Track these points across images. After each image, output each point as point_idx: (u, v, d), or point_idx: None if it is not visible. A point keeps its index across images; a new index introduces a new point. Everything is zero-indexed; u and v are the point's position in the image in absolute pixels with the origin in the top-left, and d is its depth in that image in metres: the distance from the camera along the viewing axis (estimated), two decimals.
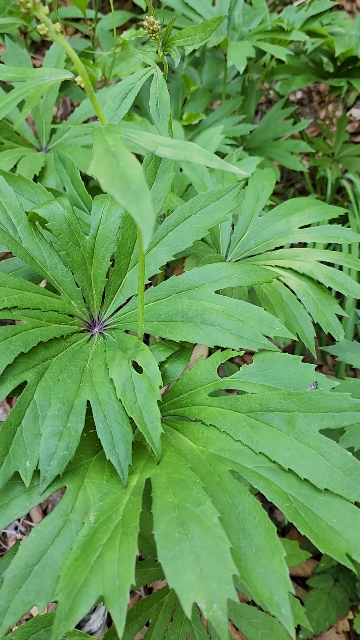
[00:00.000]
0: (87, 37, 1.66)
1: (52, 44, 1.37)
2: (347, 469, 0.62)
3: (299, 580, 1.46)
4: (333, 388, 0.69)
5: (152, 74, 0.77)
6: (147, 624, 1.03)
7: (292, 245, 1.71)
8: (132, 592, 1.40)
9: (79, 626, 1.38)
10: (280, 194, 2.26)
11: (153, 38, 0.70)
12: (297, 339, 0.81)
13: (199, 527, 0.55)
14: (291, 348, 1.84)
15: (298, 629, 1.34)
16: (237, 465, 0.65)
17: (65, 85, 1.61)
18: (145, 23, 0.68)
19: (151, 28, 0.68)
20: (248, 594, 0.97)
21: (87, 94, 1.54)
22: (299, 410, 0.66)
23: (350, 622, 1.39)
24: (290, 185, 2.38)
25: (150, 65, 0.76)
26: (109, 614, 1.36)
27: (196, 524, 0.55)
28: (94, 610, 1.43)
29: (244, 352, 0.73)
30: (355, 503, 0.61)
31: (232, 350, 0.75)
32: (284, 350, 1.93)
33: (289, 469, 0.63)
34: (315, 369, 1.88)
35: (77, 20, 2.15)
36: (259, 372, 0.72)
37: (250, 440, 0.66)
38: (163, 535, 0.54)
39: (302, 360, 0.72)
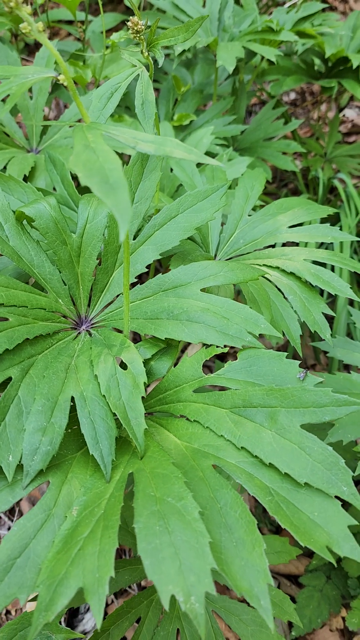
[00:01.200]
0: (80, 39, 1.66)
1: (42, 46, 1.38)
2: (328, 464, 0.63)
3: (292, 578, 1.46)
4: (319, 384, 0.70)
5: (139, 74, 0.78)
6: (138, 621, 1.03)
7: (285, 244, 1.72)
8: (125, 590, 1.41)
9: (73, 626, 1.39)
10: (273, 194, 2.27)
11: (138, 38, 0.71)
12: (282, 337, 0.82)
13: (180, 521, 0.56)
14: (284, 348, 1.85)
15: (290, 626, 1.34)
16: (220, 460, 0.66)
17: (57, 87, 1.62)
18: (129, 24, 0.69)
19: (135, 28, 0.69)
20: None
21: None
22: (281, 405, 0.67)
23: (344, 619, 1.40)
24: (283, 186, 2.39)
25: (136, 66, 0.77)
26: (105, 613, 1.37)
27: (177, 518, 0.56)
28: (87, 610, 1.43)
29: (228, 348, 0.74)
30: (336, 497, 0.62)
31: (217, 347, 0.75)
32: (277, 350, 1.94)
33: (270, 463, 0.63)
34: (309, 367, 1.87)
35: (70, 22, 2.16)
36: (244, 368, 0.73)
37: (233, 435, 0.67)
38: (143, 528, 0.55)
39: (294, 359, 0.73)
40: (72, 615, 1.41)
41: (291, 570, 1.45)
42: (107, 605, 1.41)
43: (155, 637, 0.93)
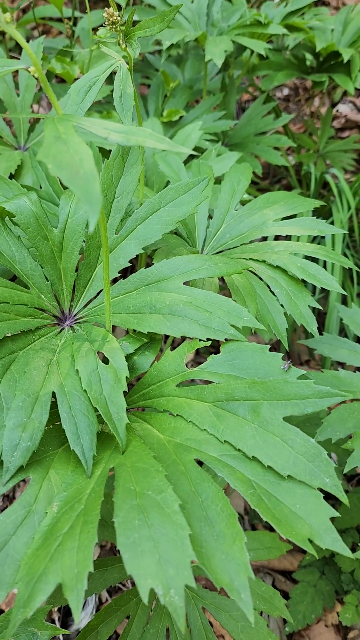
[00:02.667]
0: (68, 36, 1.66)
1: (29, 43, 1.37)
2: (310, 456, 0.62)
3: (287, 574, 1.46)
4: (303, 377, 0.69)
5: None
6: (128, 618, 1.03)
7: (277, 238, 1.72)
8: (119, 589, 1.40)
9: (67, 624, 1.38)
10: (266, 190, 2.27)
11: (114, 30, 0.70)
12: (267, 330, 0.81)
13: (159, 514, 0.55)
14: (278, 343, 1.84)
15: (285, 622, 1.34)
16: (203, 454, 0.65)
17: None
18: (104, 15, 0.68)
19: (111, 19, 0.68)
20: None
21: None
22: (263, 398, 0.67)
23: (339, 615, 1.39)
24: (276, 182, 2.39)
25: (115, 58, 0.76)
26: (97, 611, 1.36)
27: (157, 511, 0.55)
28: (82, 608, 1.43)
29: (210, 342, 0.73)
30: (319, 489, 0.62)
31: (200, 340, 0.75)
32: (271, 345, 1.93)
33: (253, 456, 0.63)
34: (303, 364, 1.86)
35: (61, 20, 2.15)
36: (226, 362, 0.73)
37: (215, 429, 0.66)
38: (123, 522, 0.55)
39: (286, 354, 0.72)
40: (67, 614, 1.40)
41: (286, 567, 1.45)
42: (101, 603, 1.40)
43: (145, 634, 0.92)
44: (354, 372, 1.07)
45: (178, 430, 0.69)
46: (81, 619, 1.42)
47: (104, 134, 0.51)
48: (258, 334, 1.80)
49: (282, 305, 0.91)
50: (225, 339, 0.74)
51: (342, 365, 1.81)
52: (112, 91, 1.58)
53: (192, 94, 1.74)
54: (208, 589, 1.02)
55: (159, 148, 0.49)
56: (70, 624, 1.40)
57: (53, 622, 1.35)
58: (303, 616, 1.26)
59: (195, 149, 1.47)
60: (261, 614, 1.30)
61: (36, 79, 0.64)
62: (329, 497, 1.33)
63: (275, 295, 0.92)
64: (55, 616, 1.35)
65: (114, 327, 0.78)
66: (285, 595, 1.37)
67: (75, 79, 1.41)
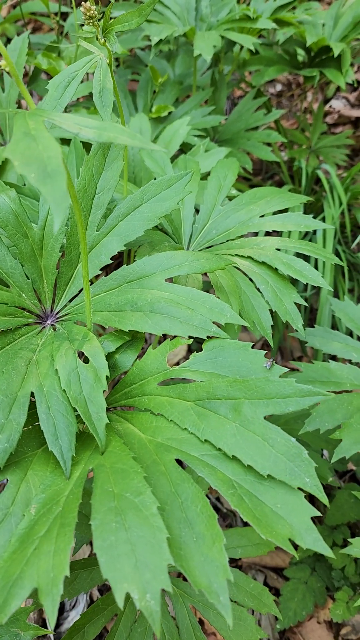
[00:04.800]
0: (54, 30, 1.64)
1: (14, 38, 1.36)
2: (291, 455, 0.61)
3: (279, 571, 1.46)
4: (295, 376, 0.68)
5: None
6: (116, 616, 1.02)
7: (269, 234, 1.70)
8: (110, 586, 1.40)
9: (58, 623, 1.38)
10: (258, 185, 2.25)
11: (92, 24, 0.69)
12: (249, 326, 0.81)
13: (137, 517, 0.54)
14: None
15: (276, 619, 1.34)
16: (183, 453, 0.64)
17: (33, 79, 1.60)
18: (81, 9, 0.67)
19: (88, 14, 0.67)
20: None
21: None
22: (245, 397, 0.66)
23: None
24: (268, 178, 2.37)
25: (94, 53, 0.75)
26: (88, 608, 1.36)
27: (134, 514, 0.55)
28: (72, 607, 1.43)
29: (192, 340, 0.73)
30: (300, 489, 0.61)
31: (182, 338, 0.74)
32: (262, 343, 1.93)
33: (233, 456, 0.62)
34: (295, 359, 1.85)
35: (49, 15, 2.13)
36: (209, 360, 0.72)
37: (196, 428, 0.65)
38: (100, 525, 0.54)
39: (265, 349, 0.71)
40: (58, 612, 1.40)
41: (278, 564, 1.45)
42: (92, 602, 1.40)
43: (133, 633, 0.92)
44: (345, 364, 1.06)
45: (159, 429, 0.68)
46: (72, 617, 1.42)
47: (76, 129, 0.50)
48: (250, 332, 1.79)
49: (267, 302, 0.90)
50: (208, 337, 0.73)
51: (333, 358, 1.80)
52: None
53: (182, 90, 1.72)
54: None
55: (131, 145, 0.48)
56: (61, 623, 1.40)
57: (44, 621, 1.34)
58: (294, 613, 1.26)
59: (184, 144, 1.46)
60: (252, 612, 1.30)
61: (8, 73, 0.62)
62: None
63: (260, 292, 0.91)
64: (46, 616, 1.34)
65: (100, 326, 0.78)
66: (278, 592, 1.37)
67: None
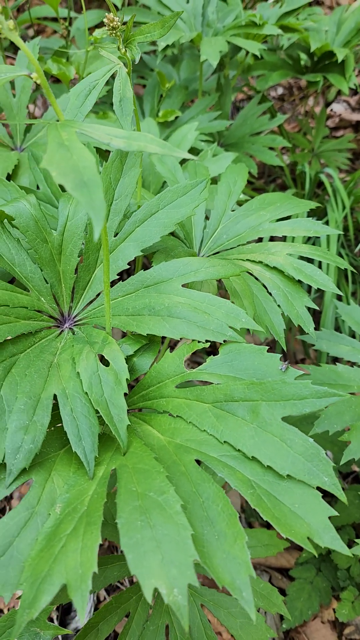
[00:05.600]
0: (64, 36, 1.66)
1: (25, 44, 1.37)
2: (309, 455, 0.63)
3: (284, 571, 1.47)
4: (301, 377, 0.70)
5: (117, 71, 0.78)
6: (127, 616, 1.04)
7: (273, 239, 1.72)
8: (117, 587, 1.41)
9: (65, 623, 1.39)
10: (262, 189, 2.27)
11: (114, 35, 0.71)
12: (264, 331, 0.82)
13: (161, 515, 0.56)
14: (274, 343, 1.85)
15: (282, 618, 1.35)
16: (203, 454, 0.66)
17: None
18: (105, 20, 0.69)
19: (111, 25, 0.69)
20: None
21: (59, 91, 1.54)
22: (262, 399, 0.68)
23: (335, 611, 1.40)
24: (272, 181, 2.40)
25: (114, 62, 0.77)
26: (95, 610, 1.37)
27: (159, 512, 0.56)
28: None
29: (209, 343, 0.74)
30: (318, 488, 0.63)
31: (199, 342, 0.76)
32: (267, 345, 1.95)
33: (252, 456, 0.64)
34: (298, 361, 1.87)
35: (55, 20, 2.15)
36: (225, 363, 0.73)
37: (215, 430, 0.67)
38: (126, 523, 0.55)
39: (282, 354, 0.73)
40: (65, 613, 1.41)
41: (283, 564, 1.46)
42: (99, 601, 1.41)
43: (145, 632, 0.93)
44: (352, 367, 1.08)
45: (178, 431, 0.70)
46: (79, 617, 1.43)
47: (107, 139, 0.52)
48: (254, 334, 1.81)
49: (279, 306, 0.92)
50: (224, 341, 0.74)
51: (338, 361, 1.82)
52: (108, 92, 1.59)
53: (188, 94, 1.74)
54: (206, 586, 1.03)
55: (161, 153, 0.50)
56: (69, 623, 1.41)
57: (52, 620, 1.35)
58: (300, 613, 1.28)
59: (192, 149, 1.48)
60: (259, 610, 1.32)
61: (38, 85, 0.64)
62: (325, 494, 1.35)
63: (272, 296, 0.93)
64: (54, 615, 1.36)
65: (113, 329, 0.79)
66: (282, 592, 1.39)
67: (72, 80, 1.42)
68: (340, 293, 0.93)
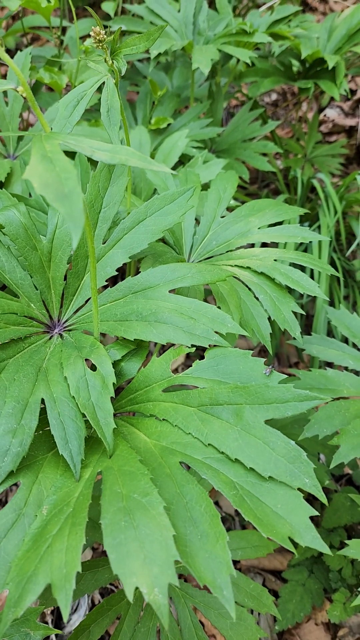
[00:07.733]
0: (56, 45, 1.68)
1: (17, 54, 1.39)
2: (291, 457, 0.65)
3: (277, 574, 1.48)
4: (295, 381, 0.72)
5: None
6: (119, 618, 1.05)
7: (265, 245, 1.74)
8: (112, 590, 1.42)
9: (60, 627, 1.40)
10: (254, 194, 2.29)
11: (100, 47, 0.73)
12: (250, 336, 0.84)
13: (145, 516, 0.57)
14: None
15: (275, 620, 1.36)
16: (187, 457, 0.67)
17: (35, 91, 1.64)
18: (91, 33, 0.70)
19: (97, 38, 0.70)
20: None
21: (55, 100, 1.56)
22: (246, 402, 0.69)
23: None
24: (264, 186, 2.42)
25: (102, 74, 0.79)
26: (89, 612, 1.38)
27: (142, 513, 0.58)
28: (74, 610, 1.45)
29: (195, 348, 0.76)
30: (299, 489, 0.64)
31: (186, 347, 0.77)
32: (259, 350, 1.96)
33: (236, 458, 0.65)
34: (292, 365, 1.88)
35: (49, 28, 2.17)
36: (211, 367, 0.75)
37: (200, 433, 0.69)
38: (110, 524, 0.57)
39: (274, 357, 0.75)
40: (60, 616, 1.42)
41: (276, 566, 1.47)
42: (93, 605, 1.42)
43: (136, 633, 0.94)
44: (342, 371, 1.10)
45: (164, 434, 0.71)
46: (74, 620, 1.44)
47: (89, 152, 0.54)
48: (248, 338, 1.82)
49: (265, 311, 0.94)
50: (210, 345, 0.76)
51: (330, 365, 1.84)
52: (99, 99, 1.61)
53: (180, 102, 1.76)
54: (198, 587, 1.04)
55: (141, 167, 0.52)
56: (64, 626, 1.42)
57: (46, 623, 1.36)
58: (292, 614, 1.29)
59: (182, 155, 1.50)
60: (252, 612, 1.33)
61: (24, 98, 0.66)
62: (314, 498, 1.36)
63: (259, 301, 0.94)
64: (49, 619, 1.37)
65: (108, 336, 0.81)
66: (276, 594, 1.40)
67: (64, 89, 1.44)
68: (326, 298, 0.95)
